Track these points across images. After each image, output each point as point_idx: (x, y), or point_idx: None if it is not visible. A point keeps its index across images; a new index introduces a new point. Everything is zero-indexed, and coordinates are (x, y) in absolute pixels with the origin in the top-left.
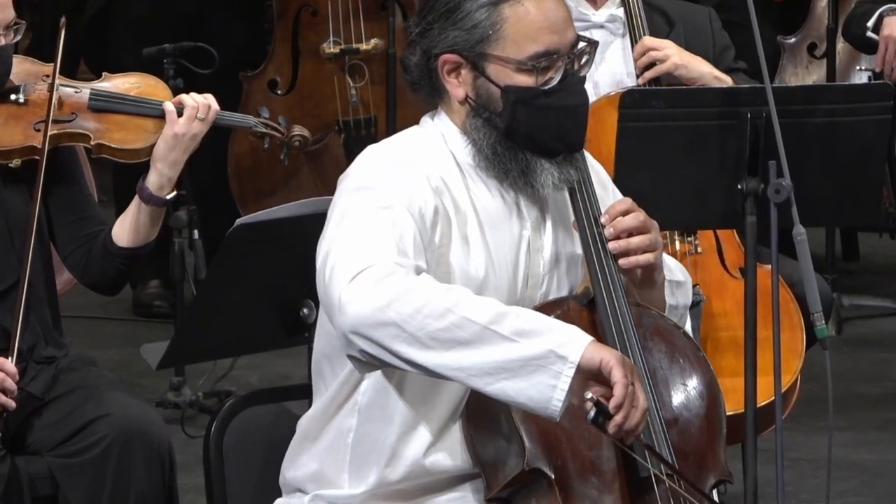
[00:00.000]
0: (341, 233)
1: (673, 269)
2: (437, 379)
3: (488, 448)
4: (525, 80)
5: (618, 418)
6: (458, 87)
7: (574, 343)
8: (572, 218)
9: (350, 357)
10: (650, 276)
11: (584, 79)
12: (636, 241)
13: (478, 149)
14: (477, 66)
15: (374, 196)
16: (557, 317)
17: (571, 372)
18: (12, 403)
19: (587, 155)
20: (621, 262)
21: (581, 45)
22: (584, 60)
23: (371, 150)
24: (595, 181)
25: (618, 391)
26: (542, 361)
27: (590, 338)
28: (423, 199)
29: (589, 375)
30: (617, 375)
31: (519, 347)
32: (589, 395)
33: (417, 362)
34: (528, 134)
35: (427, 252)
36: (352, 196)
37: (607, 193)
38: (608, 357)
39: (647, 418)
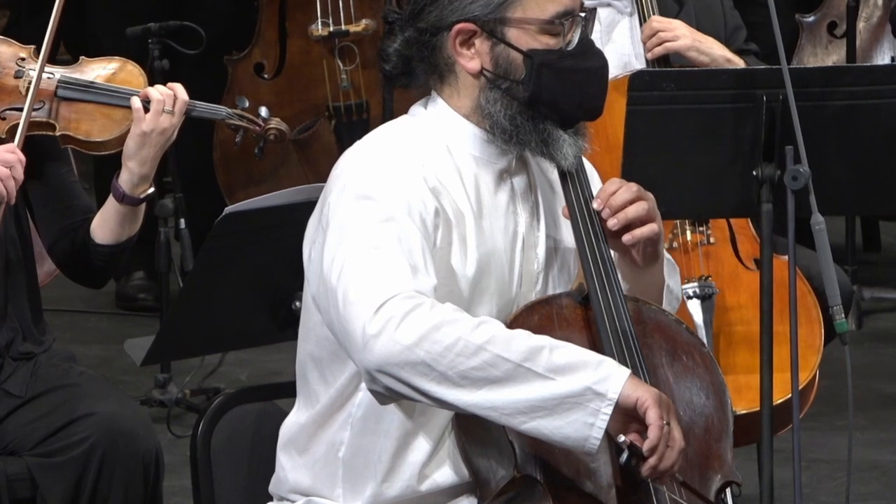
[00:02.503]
0: (349, 253)
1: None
2: None
3: (481, 457)
4: (548, 41)
5: (652, 461)
6: (471, 59)
7: (612, 379)
8: (563, 205)
9: (372, 391)
10: (654, 248)
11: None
12: (634, 209)
13: (493, 122)
14: (495, 32)
15: (374, 207)
16: (547, 315)
17: (609, 410)
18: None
19: None
20: (625, 238)
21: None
22: (590, 26)
23: (362, 148)
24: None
25: (652, 433)
26: (578, 399)
27: (627, 371)
28: (422, 204)
29: (624, 412)
30: (652, 416)
31: (555, 385)
32: (622, 438)
33: (447, 401)
34: (552, 100)
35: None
36: (350, 207)
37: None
38: (644, 396)
39: None
